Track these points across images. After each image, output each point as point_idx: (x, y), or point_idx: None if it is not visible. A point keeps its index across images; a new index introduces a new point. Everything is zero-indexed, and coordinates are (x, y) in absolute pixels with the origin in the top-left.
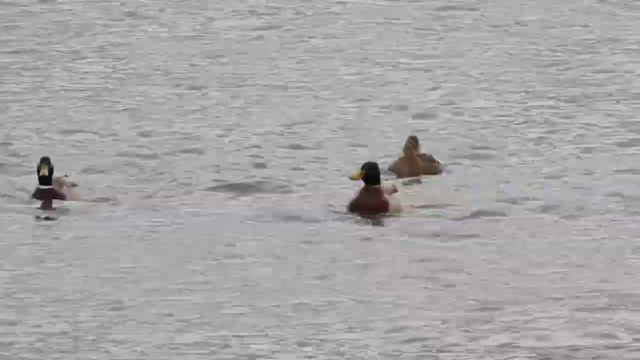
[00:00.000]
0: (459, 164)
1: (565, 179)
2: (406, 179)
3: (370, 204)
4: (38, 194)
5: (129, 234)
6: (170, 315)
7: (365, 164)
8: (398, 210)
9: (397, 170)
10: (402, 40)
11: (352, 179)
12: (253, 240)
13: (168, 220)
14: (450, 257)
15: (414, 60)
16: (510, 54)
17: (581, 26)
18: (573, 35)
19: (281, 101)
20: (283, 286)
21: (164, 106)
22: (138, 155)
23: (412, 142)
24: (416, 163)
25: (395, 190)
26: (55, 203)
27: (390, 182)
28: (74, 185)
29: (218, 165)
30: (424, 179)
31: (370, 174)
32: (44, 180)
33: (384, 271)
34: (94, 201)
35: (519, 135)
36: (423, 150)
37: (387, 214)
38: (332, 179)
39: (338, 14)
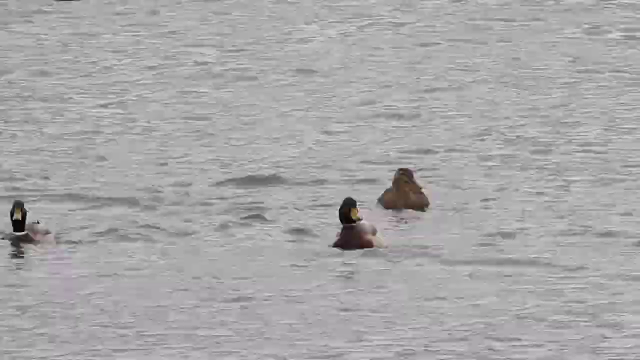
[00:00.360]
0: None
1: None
2: (395, 214)
3: (355, 245)
4: (12, 241)
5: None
6: None
7: (345, 200)
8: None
9: (389, 204)
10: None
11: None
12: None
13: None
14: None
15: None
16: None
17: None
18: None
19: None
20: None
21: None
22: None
23: (405, 176)
24: (408, 197)
25: (375, 232)
26: (30, 250)
27: (369, 223)
28: (47, 232)
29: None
30: (413, 214)
31: (340, 212)
32: (17, 225)
33: None
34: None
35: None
36: (419, 182)
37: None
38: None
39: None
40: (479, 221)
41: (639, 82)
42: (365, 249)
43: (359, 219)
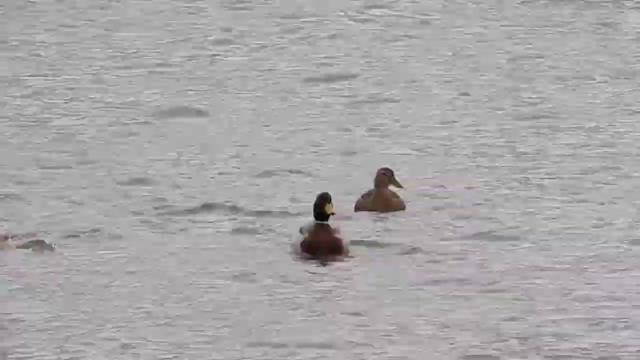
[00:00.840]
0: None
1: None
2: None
3: (324, 243)
4: None
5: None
6: None
7: (319, 195)
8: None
9: (369, 206)
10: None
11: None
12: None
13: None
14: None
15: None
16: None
17: None
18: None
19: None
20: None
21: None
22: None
23: (388, 175)
24: (389, 198)
25: (340, 231)
26: None
27: (336, 222)
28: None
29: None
30: (391, 215)
31: (316, 206)
32: None
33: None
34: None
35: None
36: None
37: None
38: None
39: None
40: (458, 221)
41: None
42: (333, 252)
43: (333, 214)
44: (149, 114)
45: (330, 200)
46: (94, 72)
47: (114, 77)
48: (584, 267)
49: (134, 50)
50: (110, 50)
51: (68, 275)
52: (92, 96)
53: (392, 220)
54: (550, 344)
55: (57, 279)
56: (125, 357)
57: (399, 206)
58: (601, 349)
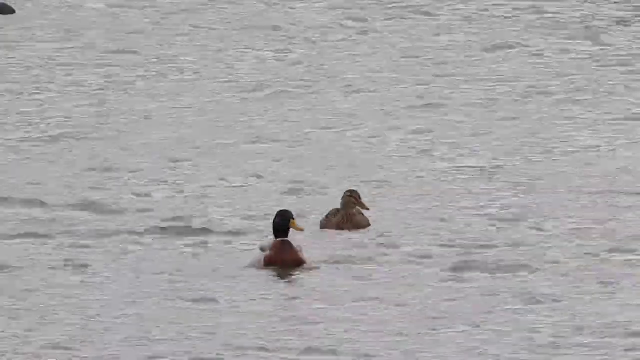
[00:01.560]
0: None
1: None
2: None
3: (290, 260)
4: None
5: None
6: None
7: (279, 212)
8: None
9: (335, 225)
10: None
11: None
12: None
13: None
14: None
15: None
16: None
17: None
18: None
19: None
20: None
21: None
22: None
23: (355, 197)
24: (354, 218)
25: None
26: None
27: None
28: None
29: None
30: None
31: (282, 224)
32: None
33: None
34: None
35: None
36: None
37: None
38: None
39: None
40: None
41: None
42: (297, 266)
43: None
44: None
45: (293, 217)
46: None
47: None
48: None
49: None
50: None
51: None
52: None
53: (358, 236)
54: None
55: None
56: None
57: (366, 224)
58: None
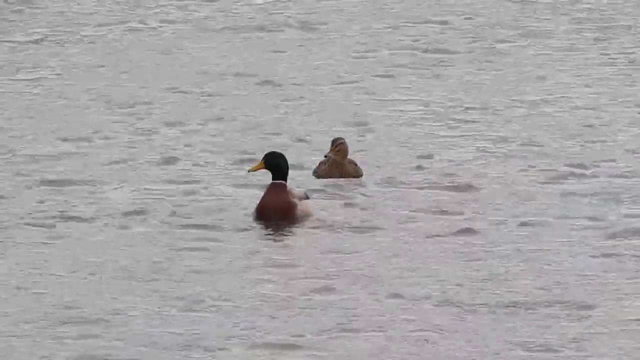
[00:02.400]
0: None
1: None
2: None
3: (276, 206)
4: None
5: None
6: None
7: (266, 154)
8: (306, 215)
9: (325, 173)
10: None
11: (250, 171)
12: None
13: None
14: None
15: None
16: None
17: None
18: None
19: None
20: None
21: None
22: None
23: (342, 145)
24: (345, 167)
25: (307, 197)
26: None
27: (302, 189)
28: None
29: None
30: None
31: (269, 163)
32: None
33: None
34: None
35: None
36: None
37: (295, 217)
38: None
39: None
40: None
41: None
42: (285, 216)
43: (253, 171)
44: None
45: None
46: None
47: None
48: None
49: None
50: None
51: None
52: None
53: (350, 191)
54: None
55: None
56: None
57: (357, 174)
58: None
